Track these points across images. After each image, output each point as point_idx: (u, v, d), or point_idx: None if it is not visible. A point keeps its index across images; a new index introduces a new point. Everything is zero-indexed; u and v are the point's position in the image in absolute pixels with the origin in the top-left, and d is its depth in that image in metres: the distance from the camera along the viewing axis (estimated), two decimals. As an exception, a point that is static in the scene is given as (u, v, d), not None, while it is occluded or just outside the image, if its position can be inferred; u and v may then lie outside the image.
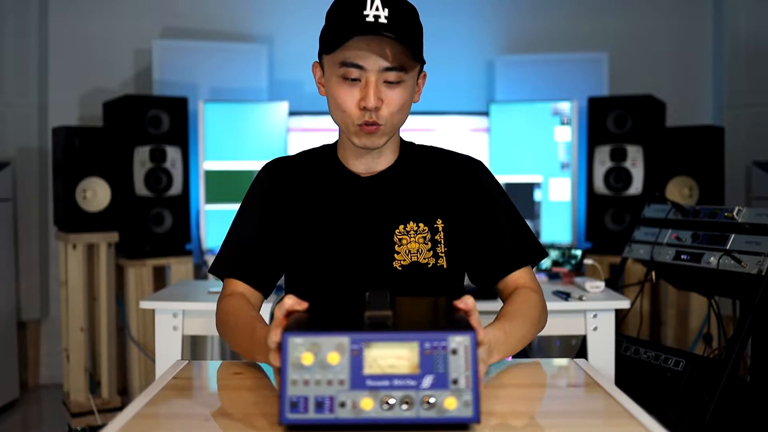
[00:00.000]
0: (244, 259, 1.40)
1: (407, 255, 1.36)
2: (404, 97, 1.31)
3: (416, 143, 1.49)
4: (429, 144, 1.50)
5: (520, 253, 1.41)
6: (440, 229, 1.38)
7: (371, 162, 1.40)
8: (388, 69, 1.26)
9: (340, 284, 1.37)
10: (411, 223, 1.38)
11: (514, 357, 1.33)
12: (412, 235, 1.37)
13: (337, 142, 1.46)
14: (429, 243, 1.37)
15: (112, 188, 3.19)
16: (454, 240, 1.39)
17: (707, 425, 1.98)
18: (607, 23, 3.88)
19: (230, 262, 1.41)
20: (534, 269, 1.45)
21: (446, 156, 1.46)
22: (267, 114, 3.44)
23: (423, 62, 1.35)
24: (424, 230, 1.37)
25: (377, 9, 1.24)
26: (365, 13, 1.24)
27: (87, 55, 3.69)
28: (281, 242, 1.41)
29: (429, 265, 1.36)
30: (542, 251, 1.43)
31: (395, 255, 1.36)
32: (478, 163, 1.46)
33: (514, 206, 1.45)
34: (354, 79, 1.27)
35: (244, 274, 1.39)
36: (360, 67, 1.26)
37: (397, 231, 1.37)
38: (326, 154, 1.46)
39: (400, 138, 1.46)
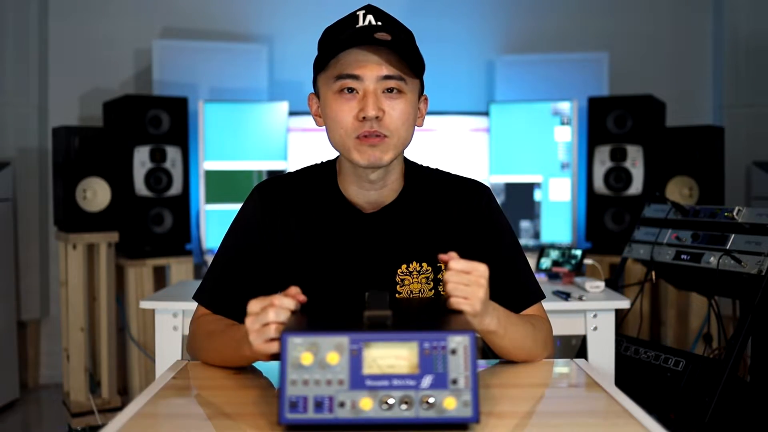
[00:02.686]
0: (230, 295, 1.32)
1: (409, 295, 1.31)
2: (406, 109, 1.24)
3: (421, 165, 1.40)
4: (433, 167, 1.41)
5: (529, 292, 1.34)
6: (443, 268, 1.29)
7: (375, 195, 1.32)
8: (386, 77, 1.21)
9: None
10: (414, 263, 1.31)
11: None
12: (415, 276, 1.31)
13: (336, 162, 1.38)
14: (431, 283, 1.32)
15: (112, 188, 3.19)
16: None
17: (707, 425, 1.98)
18: (607, 23, 3.88)
19: (216, 295, 1.33)
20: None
21: (453, 183, 1.37)
22: (267, 114, 3.44)
23: (422, 80, 1.30)
24: (427, 270, 1.31)
25: (370, 22, 1.22)
26: (357, 26, 1.22)
27: (87, 55, 3.69)
28: (272, 272, 1.33)
29: None
30: (541, 293, 1.35)
31: (397, 295, 1.30)
32: (485, 191, 1.37)
33: (517, 242, 1.37)
34: (351, 91, 1.22)
35: (230, 311, 1.31)
36: (357, 78, 1.21)
37: (399, 271, 1.31)
38: (325, 178, 1.36)
39: (405, 160, 1.38)
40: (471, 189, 1.37)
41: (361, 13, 1.24)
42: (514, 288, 1.32)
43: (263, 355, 1.07)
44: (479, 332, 1.15)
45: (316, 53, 1.30)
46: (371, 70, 1.21)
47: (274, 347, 1.04)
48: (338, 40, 1.22)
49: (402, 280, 1.31)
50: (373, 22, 1.22)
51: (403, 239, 1.33)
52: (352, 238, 1.32)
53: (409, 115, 1.25)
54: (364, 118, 1.21)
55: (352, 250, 1.32)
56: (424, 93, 1.34)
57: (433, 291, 1.32)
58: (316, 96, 1.32)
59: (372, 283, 1.30)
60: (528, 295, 1.34)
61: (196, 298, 1.36)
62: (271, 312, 1.04)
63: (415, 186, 1.36)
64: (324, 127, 1.30)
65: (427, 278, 1.32)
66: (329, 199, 1.35)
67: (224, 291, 1.33)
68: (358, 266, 1.32)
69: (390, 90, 1.23)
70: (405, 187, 1.35)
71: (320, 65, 1.26)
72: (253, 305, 1.06)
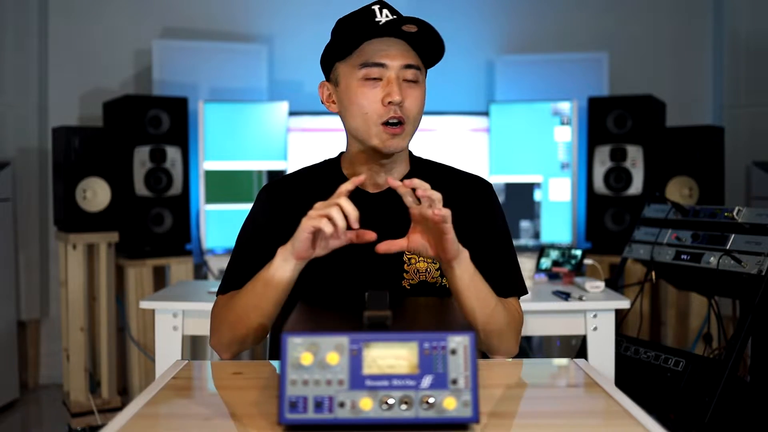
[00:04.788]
0: (246, 280, 1.34)
1: (416, 274, 1.36)
2: (422, 96, 1.34)
3: (424, 158, 1.48)
4: (438, 161, 1.48)
5: (512, 283, 1.40)
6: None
7: (383, 177, 1.38)
8: (407, 66, 1.31)
9: None
10: None
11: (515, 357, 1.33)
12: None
13: (340, 156, 1.44)
14: (437, 263, 1.35)
15: (112, 188, 3.19)
16: None
17: (707, 425, 1.98)
18: (607, 23, 3.88)
19: (233, 282, 1.38)
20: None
21: (456, 175, 1.45)
22: (267, 114, 3.44)
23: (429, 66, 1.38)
24: None
25: (387, 15, 1.31)
26: (377, 19, 1.30)
27: (87, 55, 3.69)
28: None
29: (437, 284, 1.36)
30: (524, 289, 1.43)
31: (404, 274, 1.35)
32: (487, 185, 1.45)
33: (511, 239, 1.44)
34: (375, 79, 1.30)
35: None
36: (382, 65, 1.29)
37: (406, 251, 1.35)
38: (330, 169, 1.44)
39: (409, 151, 1.45)
40: (474, 181, 1.45)
41: (376, 8, 1.32)
42: (499, 276, 1.38)
43: (302, 232, 1.16)
44: (445, 261, 1.22)
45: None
46: (395, 59, 1.30)
47: (314, 224, 1.13)
48: (362, 31, 1.30)
49: (409, 259, 1.36)
50: (389, 16, 1.31)
51: (409, 218, 1.34)
52: (359, 217, 1.34)
53: (423, 102, 1.36)
54: (389, 102, 1.29)
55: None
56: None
57: (438, 271, 1.36)
58: (328, 83, 1.39)
59: (380, 263, 1.33)
60: (511, 285, 1.40)
61: (219, 293, 1.40)
62: (333, 210, 1.13)
63: (419, 171, 1.42)
64: (337, 113, 1.38)
65: (433, 258, 1.34)
66: (335, 184, 1.37)
67: (240, 278, 1.36)
68: (367, 246, 1.32)
69: (409, 79, 1.31)
70: (410, 171, 1.42)
71: (341, 54, 1.34)
72: (319, 204, 1.16)
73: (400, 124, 1.31)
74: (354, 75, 1.31)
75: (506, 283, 1.39)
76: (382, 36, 1.30)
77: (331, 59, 1.37)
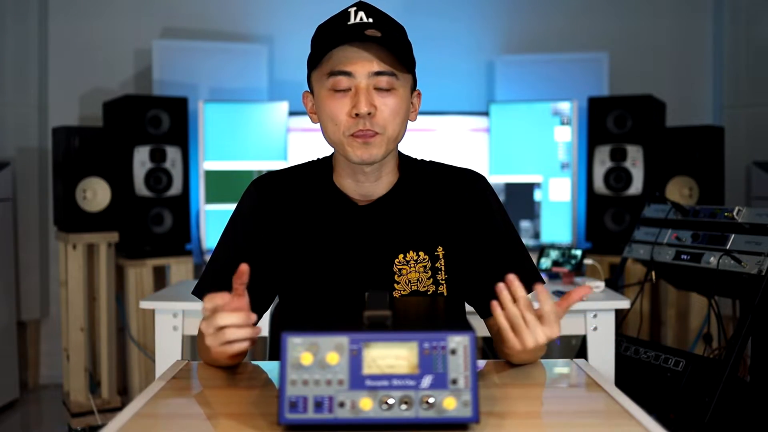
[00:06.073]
0: (227, 289, 1.26)
1: (407, 284, 1.31)
2: (399, 105, 1.25)
3: (415, 158, 1.41)
4: (428, 159, 1.42)
5: (526, 279, 1.29)
6: (441, 256, 1.33)
7: (370, 187, 1.33)
8: (378, 74, 1.22)
9: None
10: (411, 252, 1.32)
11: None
12: (412, 265, 1.32)
13: (332, 157, 1.39)
14: (429, 271, 1.32)
15: (112, 188, 3.19)
16: (455, 266, 1.34)
17: (707, 425, 1.98)
18: (607, 23, 3.88)
19: (213, 289, 1.29)
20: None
21: (447, 173, 1.39)
22: (267, 114, 3.44)
23: (414, 74, 1.31)
24: (424, 259, 1.32)
25: (361, 18, 1.24)
26: (349, 23, 1.23)
27: (87, 55, 3.69)
28: (271, 266, 1.35)
29: (429, 293, 1.32)
30: (539, 276, 1.36)
31: (395, 285, 1.31)
32: (480, 179, 1.39)
33: (513, 227, 1.39)
34: (344, 90, 1.23)
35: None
36: (348, 74, 1.22)
37: (396, 261, 1.32)
38: (321, 173, 1.37)
39: (399, 154, 1.39)
40: (466, 177, 1.39)
41: (352, 10, 1.26)
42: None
43: (224, 356, 1.10)
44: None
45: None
46: (362, 66, 1.22)
47: (232, 349, 1.07)
48: (329, 38, 1.23)
49: (399, 269, 1.32)
50: (365, 19, 1.23)
51: (399, 229, 1.34)
52: (348, 229, 1.33)
53: (400, 110, 1.26)
54: (357, 114, 1.22)
55: (349, 241, 1.33)
56: (417, 88, 1.35)
57: (431, 280, 1.32)
58: (310, 93, 1.34)
59: (370, 274, 1.31)
60: (526, 281, 1.31)
61: (194, 292, 1.36)
62: (219, 317, 1.06)
63: (409, 177, 1.37)
64: (318, 125, 1.31)
65: (425, 267, 1.32)
66: (324, 192, 1.36)
67: (221, 285, 1.32)
68: (356, 257, 1.32)
69: (382, 87, 1.23)
70: (399, 178, 1.36)
71: (313, 62, 1.28)
72: (207, 303, 1.08)
73: (371, 133, 1.23)
74: (324, 84, 1.25)
75: (521, 280, 1.33)
76: (350, 41, 1.21)
77: (308, 68, 1.31)
